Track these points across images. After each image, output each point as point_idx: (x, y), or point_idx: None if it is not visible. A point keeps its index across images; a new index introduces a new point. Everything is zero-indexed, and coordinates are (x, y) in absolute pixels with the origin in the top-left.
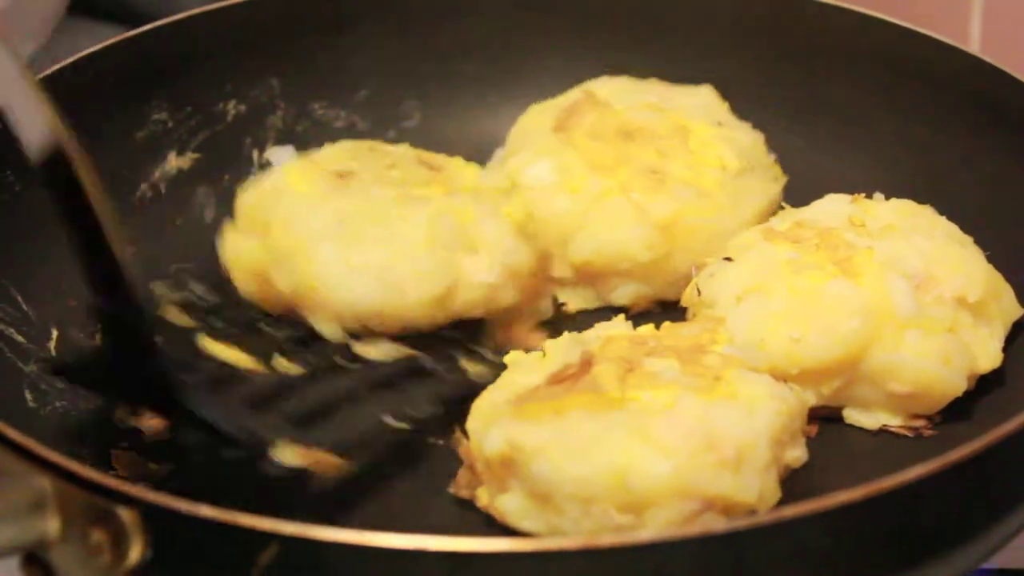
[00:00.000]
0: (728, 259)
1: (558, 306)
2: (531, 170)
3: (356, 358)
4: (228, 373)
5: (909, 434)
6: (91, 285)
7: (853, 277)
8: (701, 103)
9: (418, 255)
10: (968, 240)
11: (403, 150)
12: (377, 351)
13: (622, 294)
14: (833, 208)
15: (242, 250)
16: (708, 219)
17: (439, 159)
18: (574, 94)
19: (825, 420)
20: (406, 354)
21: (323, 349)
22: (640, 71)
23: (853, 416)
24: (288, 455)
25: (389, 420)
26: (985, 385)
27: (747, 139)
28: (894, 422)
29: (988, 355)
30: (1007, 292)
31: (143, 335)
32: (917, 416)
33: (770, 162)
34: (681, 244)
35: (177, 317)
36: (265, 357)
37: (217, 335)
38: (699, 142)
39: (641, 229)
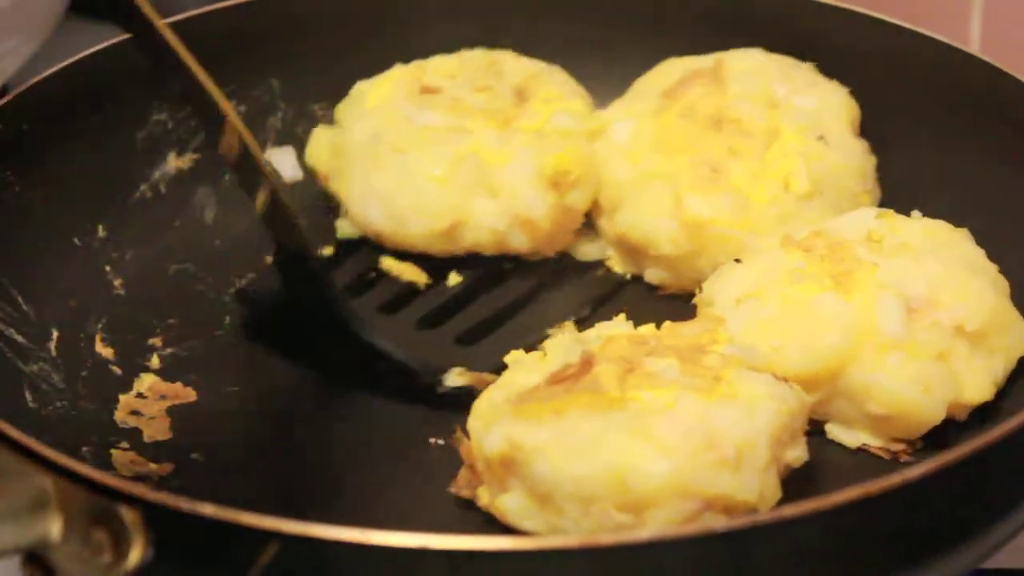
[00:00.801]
0: (738, 261)
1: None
2: (616, 125)
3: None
4: (396, 294)
5: (887, 456)
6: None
7: (846, 292)
8: (820, 109)
9: (427, 189)
10: (991, 269)
11: (518, 69)
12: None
13: (653, 274)
14: (858, 221)
15: (318, 144)
16: (740, 232)
17: (542, 85)
18: (709, 59)
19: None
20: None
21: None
22: None
23: (834, 432)
24: (456, 379)
25: (544, 330)
26: (979, 417)
27: (838, 163)
28: (874, 442)
29: (978, 387)
30: (1017, 325)
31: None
32: (897, 440)
33: (857, 193)
34: (708, 248)
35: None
36: (438, 272)
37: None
38: (779, 152)
39: (671, 223)
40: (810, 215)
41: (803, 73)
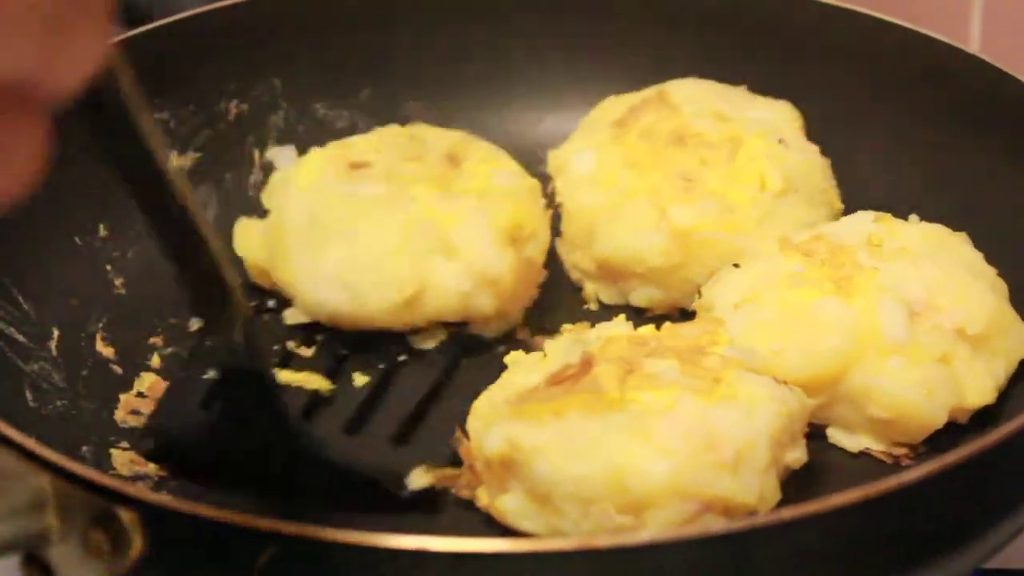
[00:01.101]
0: (736, 265)
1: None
2: (575, 157)
3: (414, 351)
4: (307, 405)
5: (889, 461)
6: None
7: (847, 296)
8: (772, 118)
9: (383, 260)
10: (990, 272)
11: (440, 138)
12: (433, 340)
13: (640, 296)
14: (858, 225)
15: (246, 236)
16: (727, 234)
17: (471, 150)
18: (651, 90)
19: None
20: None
21: (383, 352)
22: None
23: (836, 436)
24: (419, 480)
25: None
26: (980, 420)
27: (803, 161)
28: (877, 447)
29: (980, 390)
30: (1017, 328)
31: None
32: (899, 444)
33: (825, 188)
34: (697, 255)
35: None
36: (344, 376)
37: (288, 365)
38: (746, 157)
39: (657, 235)
40: (789, 211)
41: (742, 93)
